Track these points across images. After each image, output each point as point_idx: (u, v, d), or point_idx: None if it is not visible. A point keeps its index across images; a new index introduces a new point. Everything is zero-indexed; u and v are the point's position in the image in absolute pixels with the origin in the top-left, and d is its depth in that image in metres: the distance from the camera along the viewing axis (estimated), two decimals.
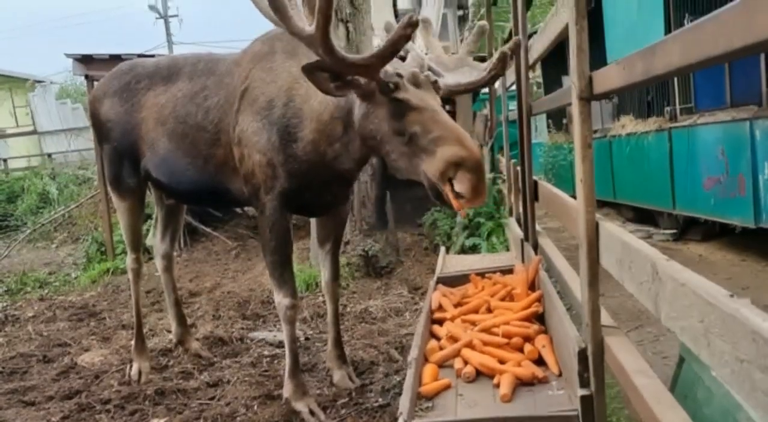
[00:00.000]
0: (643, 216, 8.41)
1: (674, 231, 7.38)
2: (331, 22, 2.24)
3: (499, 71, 2.72)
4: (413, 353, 2.58)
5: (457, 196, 2.27)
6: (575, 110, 1.93)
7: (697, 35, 1.14)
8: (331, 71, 2.40)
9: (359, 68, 2.39)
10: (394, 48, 2.25)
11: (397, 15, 11.36)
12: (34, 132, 18.94)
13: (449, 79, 2.76)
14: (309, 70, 2.39)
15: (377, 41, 4.92)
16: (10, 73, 21.49)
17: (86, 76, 7.58)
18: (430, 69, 2.69)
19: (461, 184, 2.24)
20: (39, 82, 21.99)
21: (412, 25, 2.14)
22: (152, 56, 6.40)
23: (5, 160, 17.24)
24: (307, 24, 2.39)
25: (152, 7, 30.64)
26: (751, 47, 0.98)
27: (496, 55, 2.67)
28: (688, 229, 7.31)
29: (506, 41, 5.98)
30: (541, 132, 12.55)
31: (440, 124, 2.36)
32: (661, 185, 7.25)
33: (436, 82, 2.56)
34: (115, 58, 6.75)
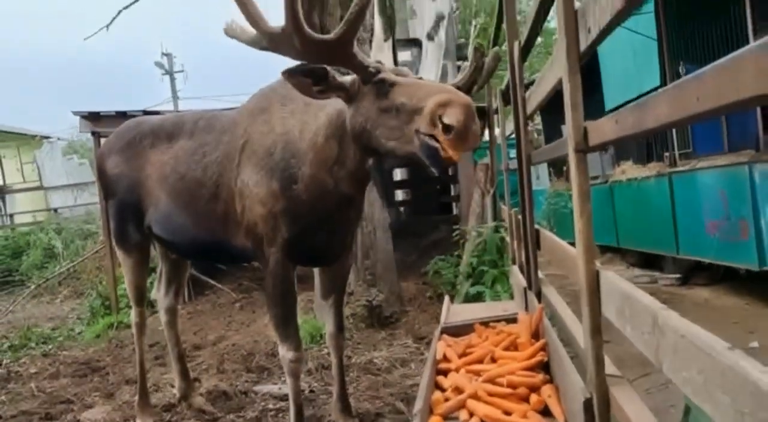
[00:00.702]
0: (647, 261, 8.39)
1: (679, 275, 7.36)
2: (299, 12, 2.28)
3: (477, 63, 2.73)
4: (418, 405, 2.56)
5: (448, 129, 2.22)
6: (572, 162, 1.97)
7: (683, 93, 1.19)
8: (312, 74, 2.50)
9: (336, 44, 2.40)
10: (361, 12, 2.29)
11: (396, 64, 11.55)
12: (40, 187, 19.14)
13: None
14: (291, 74, 2.48)
15: None
16: (18, 129, 21.85)
17: (93, 133, 7.71)
18: None
19: (450, 116, 2.22)
20: (46, 138, 22.34)
21: None
22: (158, 113, 6.54)
23: (11, 216, 17.37)
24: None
25: (158, 64, 31.27)
26: (735, 105, 1.02)
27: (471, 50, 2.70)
28: (693, 273, 7.28)
29: (504, 92, 6.09)
30: (542, 179, 12.64)
31: (425, 86, 2.42)
32: (665, 230, 7.26)
33: (420, 79, 2.64)
34: (122, 115, 6.88)
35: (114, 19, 8.24)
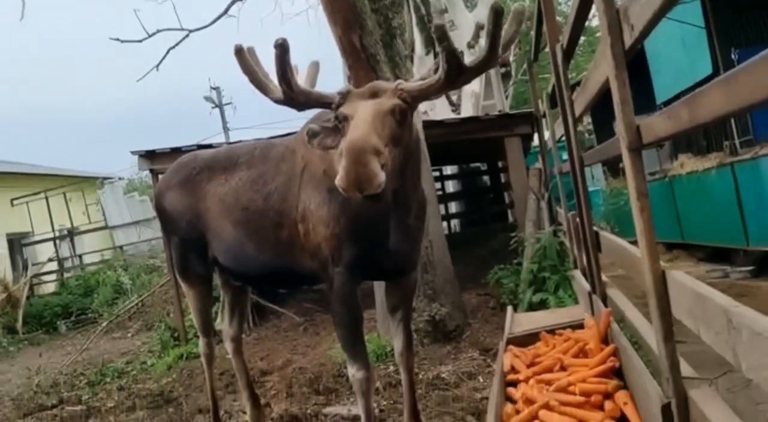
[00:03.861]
0: (716, 255, 8.10)
1: (752, 267, 7.06)
2: (290, 76, 2.61)
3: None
4: (489, 418, 2.53)
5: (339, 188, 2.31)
6: (626, 162, 1.92)
7: (738, 81, 1.15)
8: (322, 131, 2.68)
9: (287, 99, 2.71)
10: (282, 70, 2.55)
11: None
12: (105, 227, 19.83)
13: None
14: (310, 141, 2.72)
15: None
16: (81, 172, 22.77)
17: (151, 170, 7.95)
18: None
19: (337, 177, 2.31)
20: (107, 179, 23.18)
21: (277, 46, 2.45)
22: (210, 146, 6.71)
23: (80, 256, 18.02)
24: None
25: (207, 98, 32.12)
26: None
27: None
28: (767, 264, 6.98)
29: (551, 95, 6.01)
30: (597, 179, 12.39)
31: (350, 125, 2.47)
32: (731, 222, 7.01)
33: (397, 86, 2.64)
34: (176, 151, 7.08)
35: (163, 59, 8.54)
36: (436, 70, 2.69)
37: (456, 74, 2.59)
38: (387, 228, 3.00)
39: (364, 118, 2.45)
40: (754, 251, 6.92)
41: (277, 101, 2.74)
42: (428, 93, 2.73)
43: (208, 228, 3.61)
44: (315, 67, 3.15)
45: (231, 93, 33.67)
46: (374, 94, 2.60)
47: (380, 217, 2.94)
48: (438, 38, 2.51)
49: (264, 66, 2.82)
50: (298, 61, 2.81)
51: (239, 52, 2.68)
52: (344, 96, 2.62)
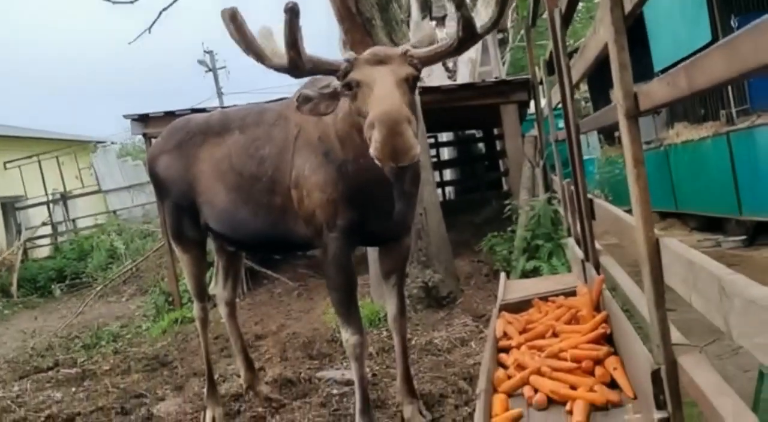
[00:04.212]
0: (709, 224, 8.14)
1: (744, 237, 7.10)
2: (258, 49, 2.53)
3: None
4: (481, 383, 2.56)
5: (374, 157, 2.28)
6: (623, 129, 1.91)
7: (739, 47, 1.13)
8: (317, 97, 2.66)
9: (292, 67, 2.56)
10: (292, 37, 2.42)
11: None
12: (98, 191, 19.74)
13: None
14: (300, 106, 2.67)
15: None
16: (73, 136, 22.56)
17: (144, 135, 7.88)
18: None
19: (372, 144, 2.27)
20: (100, 143, 23.01)
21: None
22: (204, 110, 6.64)
23: (74, 220, 17.99)
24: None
25: (201, 62, 31.75)
26: None
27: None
28: (759, 234, 7.02)
29: (548, 62, 5.96)
30: (593, 147, 12.37)
31: (371, 93, 2.43)
32: (725, 191, 7.02)
33: (406, 52, 2.60)
34: (170, 115, 6.99)
35: (155, 21, 8.36)
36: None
37: (469, 41, 2.61)
38: (383, 195, 2.99)
39: (388, 86, 2.42)
40: (746, 221, 6.95)
41: (278, 68, 2.63)
42: (437, 59, 2.75)
43: (202, 193, 3.59)
44: (271, 35, 3.07)
45: (224, 56, 33.20)
46: (382, 61, 2.55)
47: (376, 183, 2.92)
48: (456, 4, 2.49)
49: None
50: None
51: (233, 16, 2.51)
52: (352, 63, 2.57)
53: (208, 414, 3.89)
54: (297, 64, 2.54)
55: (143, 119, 7.77)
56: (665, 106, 1.82)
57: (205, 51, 31.94)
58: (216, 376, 4.39)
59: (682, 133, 8.20)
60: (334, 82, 2.69)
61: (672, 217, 9.20)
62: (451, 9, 11.61)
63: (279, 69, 2.62)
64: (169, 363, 5.60)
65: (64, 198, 18.05)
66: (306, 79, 3.11)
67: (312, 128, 3.08)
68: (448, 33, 3.02)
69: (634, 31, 7.62)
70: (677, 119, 8.63)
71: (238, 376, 4.45)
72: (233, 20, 2.50)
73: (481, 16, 2.66)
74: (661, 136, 9.13)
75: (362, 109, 2.48)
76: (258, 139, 3.34)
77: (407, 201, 3.16)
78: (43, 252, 15.99)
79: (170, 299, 7.81)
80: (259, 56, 2.59)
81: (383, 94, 2.38)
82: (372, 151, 2.27)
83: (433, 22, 11.76)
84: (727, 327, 1.38)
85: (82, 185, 19.24)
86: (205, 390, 4.02)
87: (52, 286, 12.37)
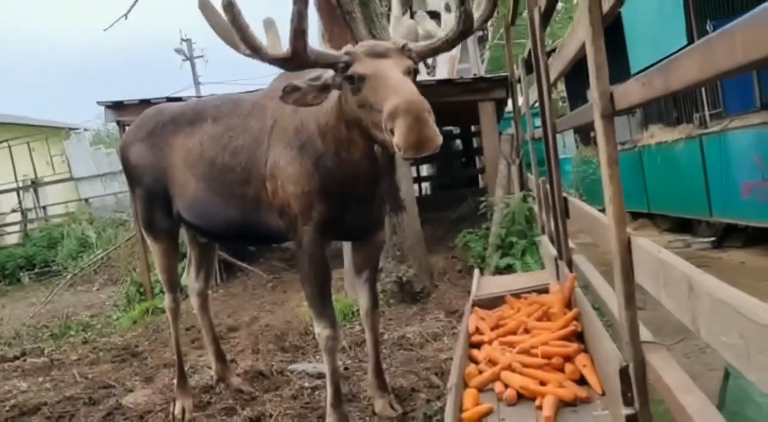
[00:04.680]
0: (680, 225, 8.27)
1: (713, 239, 7.23)
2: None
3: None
4: (452, 379, 2.57)
5: (397, 146, 2.25)
6: (599, 128, 1.93)
7: (713, 49, 1.14)
8: (296, 89, 2.61)
9: (292, 57, 2.50)
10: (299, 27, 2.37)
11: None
12: (70, 178, 19.43)
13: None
14: (285, 96, 2.61)
15: None
16: (46, 122, 22.18)
17: (118, 122, 7.76)
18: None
19: (396, 133, 2.24)
20: (73, 129, 22.62)
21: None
22: (180, 99, 6.56)
23: (44, 208, 17.68)
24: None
25: (178, 50, 31.39)
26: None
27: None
28: (727, 236, 7.15)
29: (526, 60, 5.99)
30: (568, 147, 12.47)
31: (384, 84, 2.41)
32: (696, 193, 7.13)
33: (404, 46, 2.60)
34: (145, 103, 6.90)
35: (132, 7, 8.24)
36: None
37: (465, 36, 2.66)
38: (360, 190, 2.99)
39: (400, 77, 2.42)
40: (716, 223, 7.07)
41: (275, 60, 2.56)
42: (432, 54, 2.79)
43: (173, 182, 3.55)
44: (274, 25, 3.01)
45: (203, 46, 32.86)
46: (383, 54, 2.55)
47: (355, 178, 2.92)
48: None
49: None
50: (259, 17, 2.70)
51: (230, 5, 2.37)
52: (352, 56, 2.56)
53: (178, 405, 3.85)
54: (300, 56, 2.49)
55: (117, 106, 7.64)
56: (641, 106, 1.84)
57: (182, 39, 31.62)
58: (187, 368, 4.36)
59: (656, 134, 8.31)
60: (327, 75, 2.67)
61: (644, 218, 9.33)
62: (437, 4, 11.64)
63: (275, 61, 2.56)
64: (140, 354, 5.53)
65: (35, 185, 17.73)
66: (281, 71, 3.09)
67: (289, 119, 3.06)
68: (426, 29, 3.02)
69: (612, 33, 7.70)
70: (652, 121, 8.74)
71: (209, 368, 4.42)
72: (230, 9, 2.38)
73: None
74: (635, 138, 9.24)
75: (370, 101, 2.46)
76: (232, 129, 3.30)
77: (383, 199, 3.17)
78: (12, 239, 15.67)
79: (142, 289, 7.72)
80: (255, 47, 2.51)
81: (400, 83, 2.38)
82: (397, 139, 2.23)
83: (422, 16, 11.75)
84: (695, 325, 1.41)
85: (53, 172, 18.92)
86: (175, 381, 3.98)
87: (21, 274, 12.15)
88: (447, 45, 2.73)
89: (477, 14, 2.71)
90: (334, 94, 2.75)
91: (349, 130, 2.77)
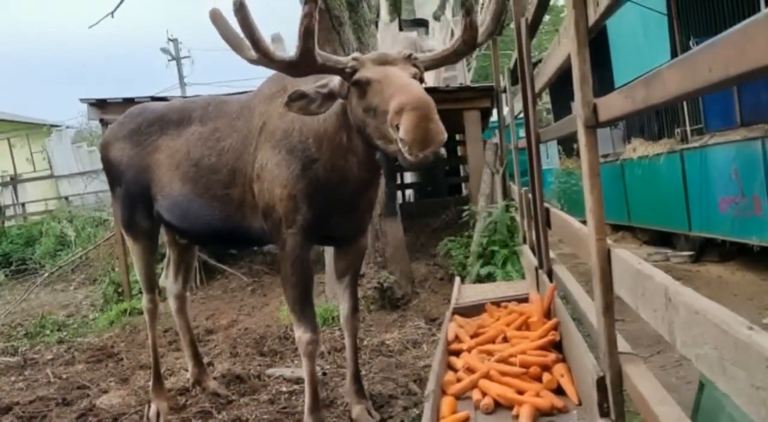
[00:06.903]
0: (659, 239, 8.35)
1: (691, 252, 7.31)
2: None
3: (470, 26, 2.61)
4: (430, 386, 2.56)
5: (402, 142, 2.25)
6: (581, 139, 1.94)
7: (695, 63, 1.16)
8: (301, 97, 2.62)
9: (300, 62, 2.51)
10: (308, 31, 2.38)
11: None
12: (50, 176, 19.22)
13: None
14: (290, 104, 2.62)
15: None
16: (27, 119, 21.93)
17: (101, 120, 7.70)
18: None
19: (402, 128, 2.24)
20: (55, 126, 22.39)
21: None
22: (164, 99, 6.52)
23: (23, 205, 17.47)
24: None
25: (164, 50, 31.20)
26: (750, 73, 0.99)
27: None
28: (705, 250, 7.23)
29: (512, 71, 6.03)
30: (552, 158, 12.56)
31: (391, 86, 2.41)
32: (676, 207, 7.21)
33: (410, 55, 2.62)
34: (129, 102, 6.86)
35: (119, 5, 8.20)
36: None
37: (473, 48, 2.70)
38: (347, 197, 3.00)
39: (408, 79, 2.44)
40: (695, 237, 7.15)
41: (282, 64, 2.56)
42: (437, 65, 2.81)
43: (155, 182, 3.52)
44: (281, 40, 3.01)
45: (189, 46, 32.73)
46: (389, 62, 2.57)
47: (343, 185, 2.93)
48: (466, 9, 2.55)
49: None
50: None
51: (241, 6, 2.33)
52: (359, 62, 2.57)
53: (153, 407, 3.81)
54: (308, 58, 2.49)
55: (100, 104, 7.58)
56: (624, 117, 1.86)
57: (169, 38, 31.42)
58: (163, 370, 4.31)
59: (638, 148, 8.39)
60: (333, 82, 2.67)
61: (624, 230, 9.41)
62: (425, 12, 11.68)
63: (283, 64, 2.57)
64: (116, 355, 5.47)
65: (14, 181, 17.51)
66: (272, 73, 3.08)
67: (277, 121, 3.05)
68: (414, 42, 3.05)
69: (598, 49, 7.79)
70: (634, 135, 8.83)
71: (186, 370, 4.38)
72: (241, 10, 2.34)
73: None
74: (617, 151, 9.33)
75: (376, 103, 2.46)
76: (219, 130, 3.29)
77: (368, 206, 3.18)
78: None
79: (120, 289, 7.64)
80: (264, 50, 2.50)
81: (407, 84, 2.39)
82: (402, 134, 2.23)
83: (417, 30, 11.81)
84: (672, 336, 1.42)
85: (33, 169, 18.70)
86: (150, 383, 3.94)
87: None
88: (454, 56, 2.75)
89: (482, 29, 2.73)
90: (335, 103, 2.76)
91: (350, 138, 2.78)
